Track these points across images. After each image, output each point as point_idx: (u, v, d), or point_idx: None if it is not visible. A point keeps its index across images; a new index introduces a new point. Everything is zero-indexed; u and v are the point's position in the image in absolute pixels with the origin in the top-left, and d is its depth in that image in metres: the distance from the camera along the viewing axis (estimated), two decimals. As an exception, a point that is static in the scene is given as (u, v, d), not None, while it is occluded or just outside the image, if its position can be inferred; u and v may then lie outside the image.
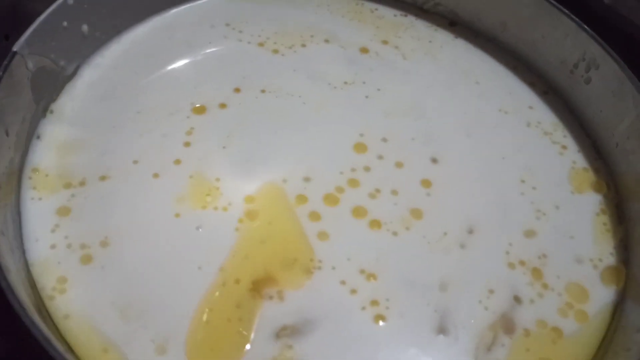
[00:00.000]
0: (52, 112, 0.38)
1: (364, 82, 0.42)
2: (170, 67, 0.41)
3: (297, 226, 0.34)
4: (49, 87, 0.38)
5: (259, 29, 0.44)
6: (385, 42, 0.45)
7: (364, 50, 0.44)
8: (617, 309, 0.34)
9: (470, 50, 0.46)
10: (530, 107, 0.43)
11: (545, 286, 0.34)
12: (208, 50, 0.42)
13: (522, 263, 0.35)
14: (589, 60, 0.41)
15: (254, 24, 0.44)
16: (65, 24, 0.38)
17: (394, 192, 0.37)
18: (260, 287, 0.32)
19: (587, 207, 0.39)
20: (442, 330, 0.32)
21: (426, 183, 0.37)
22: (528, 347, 0.32)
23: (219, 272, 0.32)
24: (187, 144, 0.37)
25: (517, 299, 0.34)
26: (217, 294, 0.31)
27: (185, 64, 0.41)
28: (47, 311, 0.31)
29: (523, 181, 0.39)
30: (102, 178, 0.35)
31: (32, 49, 0.35)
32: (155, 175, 0.35)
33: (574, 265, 0.36)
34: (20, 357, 0.30)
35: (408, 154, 0.38)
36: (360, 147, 0.38)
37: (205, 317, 0.31)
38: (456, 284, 0.34)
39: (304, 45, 0.44)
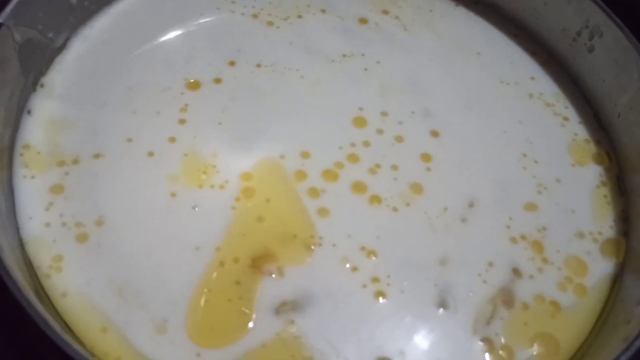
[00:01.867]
0: (42, 86, 0.37)
1: (363, 55, 0.41)
2: (161, 40, 0.40)
3: (297, 202, 0.34)
4: (38, 60, 0.37)
5: (252, -1, 0.43)
6: (385, 12, 0.44)
7: (363, 20, 0.43)
8: (616, 282, 0.35)
9: (471, 19, 0.45)
10: (532, 78, 0.43)
11: (545, 260, 0.34)
12: (200, 22, 0.41)
13: (523, 237, 0.35)
14: (592, 28, 0.41)
15: (248, -6, 0.43)
16: (52, -7, 0.37)
17: (394, 167, 0.36)
18: (259, 263, 0.32)
19: (588, 180, 0.38)
20: (442, 304, 0.32)
21: (426, 157, 0.37)
22: (526, 321, 0.32)
23: (216, 252, 0.32)
24: (181, 122, 0.36)
25: (516, 273, 0.34)
26: (215, 273, 0.31)
27: (177, 36, 0.40)
28: (43, 289, 0.30)
29: (524, 155, 0.38)
30: (96, 156, 0.34)
31: (18, 20, 0.34)
32: (150, 154, 0.34)
33: (574, 239, 0.36)
34: (20, 339, 0.30)
35: (408, 128, 0.38)
36: (359, 122, 0.38)
37: (204, 297, 0.30)
38: (456, 258, 0.34)
39: (299, 17, 0.42)
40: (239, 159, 0.35)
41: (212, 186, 0.34)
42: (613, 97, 0.40)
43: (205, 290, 0.31)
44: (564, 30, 0.43)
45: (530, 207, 0.36)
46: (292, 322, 0.31)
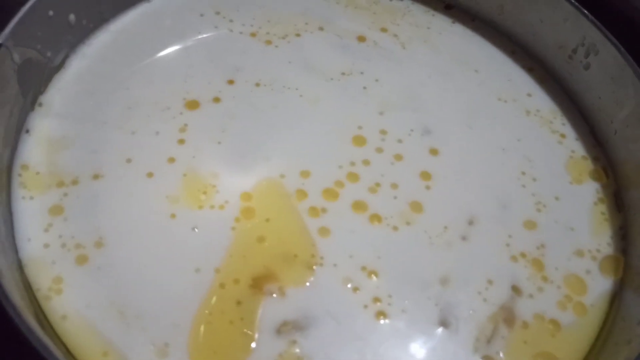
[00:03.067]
0: (40, 105, 0.37)
1: (361, 73, 0.41)
2: (159, 58, 0.40)
3: (298, 222, 0.34)
4: (36, 79, 0.37)
5: (250, 17, 0.43)
6: (384, 30, 0.44)
7: (362, 38, 0.43)
8: (616, 299, 0.35)
9: (468, 36, 0.45)
10: (529, 95, 0.43)
11: (544, 279, 0.34)
12: (198, 40, 0.41)
13: (523, 255, 0.35)
14: (588, 46, 0.41)
15: (245, 12, 0.43)
16: (51, 13, 0.36)
17: (394, 186, 0.36)
18: (260, 283, 0.32)
19: (586, 197, 0.38)
20: (443, 323, 0.32)
21: (426, 175, 0.37)
22: (526, 340, 0.32)
23: (216, 274, 0.32)
24: (181, 142, 0.36)
25: (516, 291, 0.34)
26: (216, 295, 0.31)
27: (175, 55, 0.40)
28: (43, 312, 0.30)
29: (523, 173, 0.38)
30: (95, 177, 0.34)
31: (17, 40, 0.34)
32: (149, 175, 0.34)
33: (574, 257, 0.36)
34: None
35: (407, 146, 0.38)
36: (359, 140, 0.38)
37: (205, 319, 0.30)
38: (457, 277, 0.34)
39: (298, 35, 0.42)
40: (239, 179, 0.35)
41: (212, 206, 0.34)
42: (609, 114, 0.40)
43: (207, 312, 0.30)
44: (561, 47, 0.43)
45: (530, 225, 0.36)
46: (295, 342, 0.30)
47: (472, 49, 0.45)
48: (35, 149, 0.35)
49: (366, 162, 0.37)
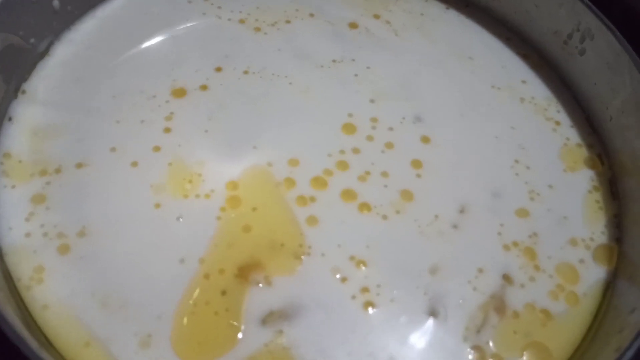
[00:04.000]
0: (24, 92, 0.36)
1: (353, 60, 0.40)
2: (146, 45, 0.39)
3: (286, 211, 0.33)
4: (20, 65, 0.36)
5: (239, 4, 0.42)
6: (376, 17, 0.43)
7: (353, 25, 0.42)
8: (609, 288, 0.34)
9: (462, 23, 0.45)
10: (523, 82, 0.42)
11: (537, 268, 0.34)
12: (186, 27, 0.40)
13: (515, 244, 0.34)
14: (583, 31, 0.40)
15: (234, -2, 0.42)
16: (34, -2, 0.36)
17: (384, 174, 0.35)
18: (246, 272, 0.31)
19: (580, 185, 0.38)
20: (432, 312, 0.32)
21: (417, 164, 0.36)
22: (516, 329, 0.32)
23: (201, 264, 0.31)
24: (167, 130, 0.35)
25: (507, 280, 0.33)
26: (200, 287, 0.31)
27: (163, 42, 0.39)
28: (23, 302, 0.30)
29: (517, 161, 0.38)
30: (79, 165, 0.33)
31: (-2, 26, 0.33)
32: (134, 164, 0.34)
33: (567, 246, 0.35)
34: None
35: (398, 134, 0.37)
36: (349, 128, 0.37)
37: (189, 310, 0.30)
38: (447, 266, 0.33)
39: (288, 22, 0.42)
40: (226, 167, 0.34)
41: (197, 195, 0.33)
42: (605, 101, 0.39)
43: (191, 303, 0.30)
44: (556, 32, 0.42)
45: (523, 213, 0.36)
46: (281, 332, 0.30)
47: (466, 35, 0.44)
48: (18, 137, 0.34)
49: (356, 151, 0.36)
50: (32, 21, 0.36)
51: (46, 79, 0.37)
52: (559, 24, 0.42)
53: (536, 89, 0.42)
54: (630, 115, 0.37)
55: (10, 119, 0.35)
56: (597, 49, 0.39)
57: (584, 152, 0.39)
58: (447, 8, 0.46)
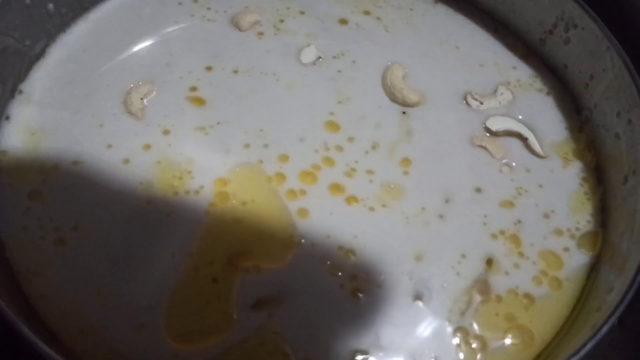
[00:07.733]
0: (21, 92, 0.37)
1: (342, 55, 0.41)
2: (138, 46, 0.40)
3: (277, 204, 0.34)
4: (16, 67, 0.37)
5: (228, 4, 0.42)
6: (367, 13, 0.44)
7: (343, 22, 0.43)
8: (592, 273, 0.35)
9: (451, 16, 0.45)
10: (514, 68, 0.42)
11: (521, 255, 0.35)
12: (176, 28, 0.41)
13: (501, 232, 0.35)
14: (567, 20, 0.41)
15: (223, -1, 0.43)
16: (28, 1, 0.37)
17: (370, 172, 0.36)
18: (236, 261, 0.32)
19: (569, 176, 0.38)
20: (417, 296, 0.33)
21: (404, 160, 0.37)
22: (498, 312, 0.33)
23: (189, 258, 0.32)
24: (158, 128, 0.36)
25: (489, 264, 0.34)
26: (191, 279, 0.32)
27: (154, 42, 0.40)
28: (22, 292, 0.31)
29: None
30: (75, 163, 0.35)
31: (-6, 29, 0.34)
32: (125, 161, 0.35)
33: (551, 235, 0.36)
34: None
35: (385, 129, 0.38)
36: (332, 126, 0.38)
37: (181, 301, 0.31)
38: (431, 252, 0.34)
39: (279, 20, 0.42)
40: (215, 164, 0.35)
41: (187, 192, 0.34)
42: (590, 88, 0.40)
43: (183, 293, 0.31)
44: (541, 22, 0.43)
45: (507, 204, 0.36)
46: (271, 318, 0.31)
47: (455, 28, 0.44)
48: (15, 136, 0.35)
49: (342, 146, 0.37)
50: (27, 24, 0.37)
51: (42, 79, 0.38)
52: (543, 13, 0.42)
53: (523, 77, 0.42)
54: (613, 100, 0.38)
55: (7, 119, 0.36)
56: (581, 38, 0.40)
57: (571, 142, 0.40)
58: (436, 2, 0.46)
